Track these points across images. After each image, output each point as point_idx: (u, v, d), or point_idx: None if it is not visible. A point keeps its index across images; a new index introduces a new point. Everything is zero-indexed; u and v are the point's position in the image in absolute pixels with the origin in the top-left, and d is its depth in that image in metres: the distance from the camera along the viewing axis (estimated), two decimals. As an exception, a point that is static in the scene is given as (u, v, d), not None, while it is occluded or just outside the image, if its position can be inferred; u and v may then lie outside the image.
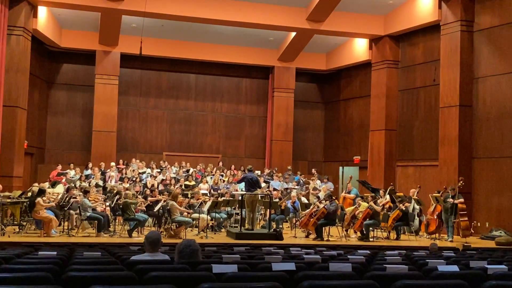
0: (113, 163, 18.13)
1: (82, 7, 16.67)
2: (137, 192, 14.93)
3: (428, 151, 17.14)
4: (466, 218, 13.47)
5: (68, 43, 19.46)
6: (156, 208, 13.04)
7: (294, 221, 14.49)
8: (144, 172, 17.74)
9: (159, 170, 17.97)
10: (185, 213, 12.88)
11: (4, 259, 5.43)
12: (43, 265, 4.75)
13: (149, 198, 13.49)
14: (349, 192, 16.48)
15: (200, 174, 17.97)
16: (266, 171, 19.31)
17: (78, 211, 12.54)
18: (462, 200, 13.44)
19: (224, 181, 17.18)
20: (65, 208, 12.52)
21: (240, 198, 13.55)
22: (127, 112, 21.32)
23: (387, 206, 13.90)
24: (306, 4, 17.63)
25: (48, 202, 12.48)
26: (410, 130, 17.99)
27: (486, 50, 15.30)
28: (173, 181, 16.48)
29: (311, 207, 13.47)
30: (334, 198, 13.64)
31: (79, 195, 12.91)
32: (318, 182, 17.93)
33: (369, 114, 19.38)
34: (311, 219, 12.82)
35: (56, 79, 20.82)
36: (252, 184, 13.06)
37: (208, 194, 15.37)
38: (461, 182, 13.72)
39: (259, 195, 13.55)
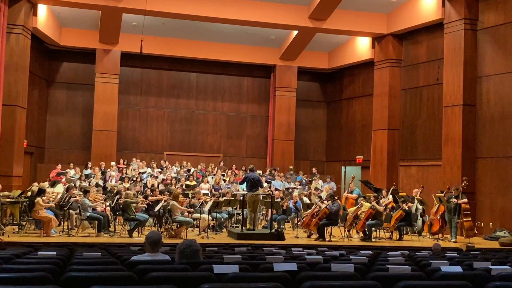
0: (113, 163, 18.06)
1: (82, 5, 16.60)
2: (137, 192, 14.85)
3: (431, 150, 17.05)
4: (470, 219, 13.38)
5: (68, 41, 19.41)
6: (157, 208, 12.96)
7: (296, 221, 14.41)
8: (144, 172, 17.68)
9: (159, 170, 17.90)
10: (186, 213, 12.80)
11: (4, 259, 5.39)
12: (43, 265, 4.74)
13: (150, 198, 13.41)
14: (351, 192, 16.40)
15: (201, 174, 17.90)
16: (268, 171, 19.23)
17: (78, 211, 12.47)
18: (465, 200, 13.34)
19: (225, 181, 17.10)
20: (65, 208, 12.45)
21: (241, 198, 13.47)
22: (128, 111, 21.26)
23: (389, 206, 13.82)
24: (308, 2, 17.55)
25: (48, 202, 12.40)
26: (413, 130, 17.89)
27: (490, 49, 15.20)
28: (174, 181, 16.41)
29: (313, 207, 13.39)
30: (336, 198, 13.55)
31: (79, 194, 12.83)
32: (320, 182, 17.85)
33: (371, 114, 19.30)
34: (313, 219, 12.74)
35: (56, 78, 20.76)
36: (253, 184, 12.99)
37: (209, 194, 15.30)
38: (465, 182, 13.62)
39: (261, 195, 13.47)
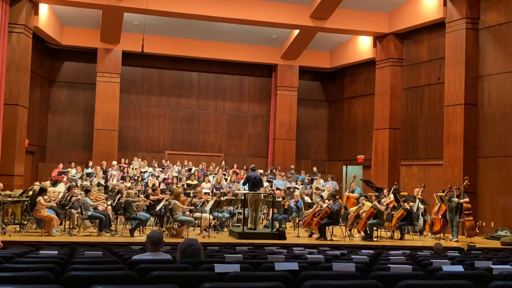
0: (115, 162, 18.07)
1: (84, 5, 16.60)
2: (139, 191, 14.85)
3: (432, 150, 17.03)
4: (471, 218, 13.36)
5: (69, 40, 19.40)
6: (158, 207, 12.96)
7: (297, 221, 14.40)
8: (146, 171, 17.68)
9: (161, 169, 17.90)
10: (187, 212, 12.80)
11: (5, 258, 5.38)
12: (44, 264, 4.75)
13: (151, 197, 13.42)
14: (352, 192, 16.38)
15: (202, 173, 17.90)
16: (269, 170, 19.22)
17: (79, 210, 12.47)
18: (467, 199, 13.31)
19: (226, 180, 17.09)
20: (66, 207, 12.45)
21: (242, 197, 13.46)
22: (129, 111, 21.26)
23: (391, 205, 13.81)
24: (309, 2, 17.54)
25: (49, 201, 12.40)
26: (414, 129, 17.87)
27: (492, 48, 15.17)
28: (175, 180, 16.41)
29: (314, 206, 13.39)
30: (337, 197, 13.54)
31: (81, 194, 12.83)
32: (321, 181, 17.84)
33: (373, 113, 19.28)
34: (315, 219, 12.74)
35: (57, 77, 20.77)
36: (255, 183, 12.98)
37: (211, 193, 15.30)
38: (466, 181, 13.60)
39: (262, 195, 13.46)
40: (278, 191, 15.31)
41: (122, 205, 12.50)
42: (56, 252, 6.21)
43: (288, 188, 16.64)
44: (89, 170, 17.27)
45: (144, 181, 16.48)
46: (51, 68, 20.58)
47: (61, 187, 14.65)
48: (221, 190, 15.67)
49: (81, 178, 16.19)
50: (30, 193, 13.03)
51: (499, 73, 14.92)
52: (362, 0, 17.22)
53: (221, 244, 10.02)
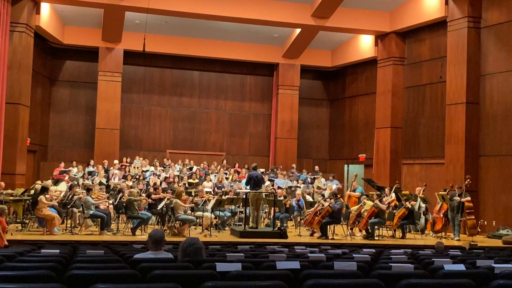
0: (116, 161, 18.08)
1: (85, 4, 16.61)
2: (140, 190, 14.86)
3: (434, 149, 17.01)
4: (473, 217, 13.35)
5: (71, 39, 19.41)
6: (160, 206, 12.97)
7: (299, 220, 14.39)
8: (147, 170, 17.69)
9: (162, 168, 17.90)
10: (188, 211, 12.81)
11: (7, 257, 5.39)
12: (46, 263, 4.76)
13: (153, 196, 13.42)
14: (354, 190, 16.36)
15: (204, 172, 17.90)
16: (270, 169, 19.21)
17: (81, 209, 12.48)
18: (468, 198, 13.30)
19: (227, 179, 17.10)
20: (68, 206, 12.45)
21: (244, 196, 13.46)
22: (130, 110, 21.26)
23: (392, 204, 13.78)
24: (311, 1, 17.53)
25: (51, 200, 12.41)
26: (416, 128, 17.85)
27: (494, 47, 15.14)
28: (176, 179, 16.41)
29: (316, 205, 13.38)
30: (339, 196, 13.54)
31: (82, 192, 12.84)
32: (323, 180, 17.83)
33: (374, 112, 19.27)
34: (316, 218, 12.73)
35: (59, 76, 20.77)
36: (257, 182, 12.98)
37: (212, 192, 15.30)
38: (468, 180, 13.58)
39: (264, 193, 13.46)
40: (279, 190, 15.30)
41: (124, 204, 12.51)
42: (58, 251, 6.22)
43: (290, 187, 16.63)
44: (91, 169, 17.29)
45: (146, 180, 16.49)
46: (52, 67, 20.58)
47: (62, 186, 14.66)
48: (223, 189, 15.67)
49: (82, 177, 16.20)
50: (32, 192, 13.05)
51: (500, 72, 14.90)
52: (363, -2, 17.23)
53: (223, 243, 10.03)
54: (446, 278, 4.39)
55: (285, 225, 13.97)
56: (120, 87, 20.05)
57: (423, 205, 14.19)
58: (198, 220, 13.23)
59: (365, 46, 19.97)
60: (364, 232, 13.22)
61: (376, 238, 13.00)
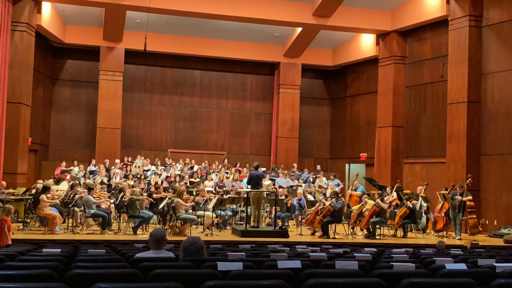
0: (117, 160, 18.09)
1: (86, 3, 16.62)
2: (142, 189, 14.86)
3: (435, 148, 17.00)
4: (474, 216, 13.33)
5: (72, 39, 19.42)
6: (161, 205, 12.97)
7: (300, 219, 14.39)
8: (149, 170, 17.69)
9: (164, 167, 17.90)
10: (190, 210, 12.82)
11: (8, 257, 5.38)
12: (47, 262, 4.75)
13: (154, 195, 13.42)
14: (355, 190, 16.35)
15: (205, 171, 17.90)
16: (271, 168, 19.21)
17: (82, 208, 12.48)
18: (470, 197, 13.28)
19: (228, 178, 17.09)
20: (69, 205, 12.46)
21: (245, 195, 13.46)
22: (132, 109, 21.27)
23: (394, 203, 13.78)
24: None
25: (53, 199, 12.42)
26: (417, 127, 17.84)
27: (495, 46, 15.12)
28: (177, 178, 16.41)
29: (317, 204, 13.37)
30: (340, 195, 13.53)
31: (84, 192, 12.85)
32: (324, 179, 17.83)
33: (376, 111, 19.25)
34: (317, 217, 12.73)
35: (60, 76, 20.79)
36: (258, 182, 12.97)
37: (213, 192, 15.29)
38: (469, 179, 13.56)
39: (265, 193, 13.45)
40: (280, 189, 15.30)
41: (125, 203, 12.51)
42: (59, 250, 6.21)
43: (291, 186, 16.63)
44: (92, 168, 17.30)
45: (147, 179, 16.49)
46: (53, 66, 20.60)
47: (64, 186, 14.67)
48: (224, 188, 15.67)
49: (84, 176, 16.21)
50: (33, 191, 13.05)
51: (502, 71, 14.88)
52: (364, -3, 17.22)
53: (224, 242, 10.02)
54: (448, 277, 4.37)
55: (286, 224, 13.97)
56: (121, 86, 20.07)
57: (424, 204, 14.18)
58: (199, 219, 13.24)
59: (366, 45, 19.96)
60: (365, 231, 13.22)
61: (377, 237, 13.00)
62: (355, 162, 21.31)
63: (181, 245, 4.82)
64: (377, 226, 13.13)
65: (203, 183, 16.11)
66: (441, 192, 14.03)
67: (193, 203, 13.35)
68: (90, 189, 12.67)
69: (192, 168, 18.13)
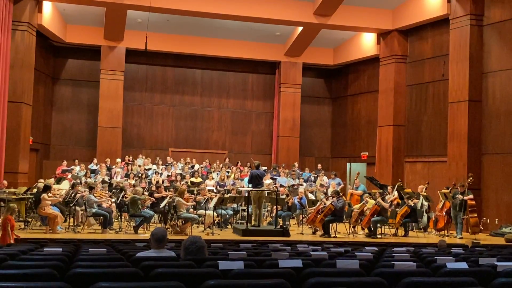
0: (118, 159, 18.09)
1: (87, 2, 16.63)
2: (143, 188, 14.86)
3: (436, 147, 16.99)
4: (476, 215, 13.32)
5: (73, 38, 19.43)
6: (162, 205, 12.98)
7: (301, 218, 14.38)
8: (150, 169, 17.69)
9: (165, 167, 17.90)
10: (191, 209, 12.82)
11: (10, 256, 5.38)
12: (49, 261, 4.75)
13: (155, 195, 13.42)
14: (356, 189, 16.35)
15: (206, 170, 17.91)
16: (272, 168, 19.21)
17: (83, 208, 12.49)
18: (471, 196, 13.28)
19: (229, 177, 17.09)
20: (71, 205, 12.47)
21: (246, 194, 13.46)
22: (133, 108, 21.28)
23: (395, 202, 13.78)
24: (313, -1, 17.52)
25: (54, 197, 12.43)
26: (418, 126, 17.83)
27: (496, 45, 15.11)
28: (178, 178, 16.42)
29: (318, 203, 13.36)
30: (341, 194, 13.53)
31: (85, 191, 12.85)
32: (325, 178, 17.83)
33: (377, 110, 19.25)
34: (318, 216, 12.72)
35: (61, 75, 20.80)
36: (259, 181, 12.96)
37: (214, 191, 15.30)
38: (471, 178, 13.54)
39: (266, 192, 13.45)
40: (281, 188, 15.30)
41: (127, 202, 12.52)
42: (61, 249, 6.21)
43: (292, 185, 16.63)
44: (94, 167, 17.31)
45: (148, 178, 16.49)
46: (54, 65, 20.61)
47: (65, 185, 14.68)
48: (225, 187, 15.68)
49: (85, 175, 16.22)
50: (34, 190, 13.07)
51: (503, 69, 14.86)
52: (366, -4, 17.21)
53: (225, 241, 10.02)
54: (449, 276, 4.37)
55: (287, 223, 13.96)
56: (122, 85, 20.08)
57: (425, 203, 14.17)
58: (200, 219, 13.25)
59: (367, 44, 19.94)
60: (366, 230, 13.21)
61: (378, 236, 12.98)
62: (356, 161, 21.31)
63: (182, 244, 4.82)
64: (378, 225, 13.12)
65: (204, 182, 16.10)
66: (442, 191, 14.03)
67: (194, 202, 13.36)
68: (91, 188, 12.67)
69: (193, 167, 18.13)
